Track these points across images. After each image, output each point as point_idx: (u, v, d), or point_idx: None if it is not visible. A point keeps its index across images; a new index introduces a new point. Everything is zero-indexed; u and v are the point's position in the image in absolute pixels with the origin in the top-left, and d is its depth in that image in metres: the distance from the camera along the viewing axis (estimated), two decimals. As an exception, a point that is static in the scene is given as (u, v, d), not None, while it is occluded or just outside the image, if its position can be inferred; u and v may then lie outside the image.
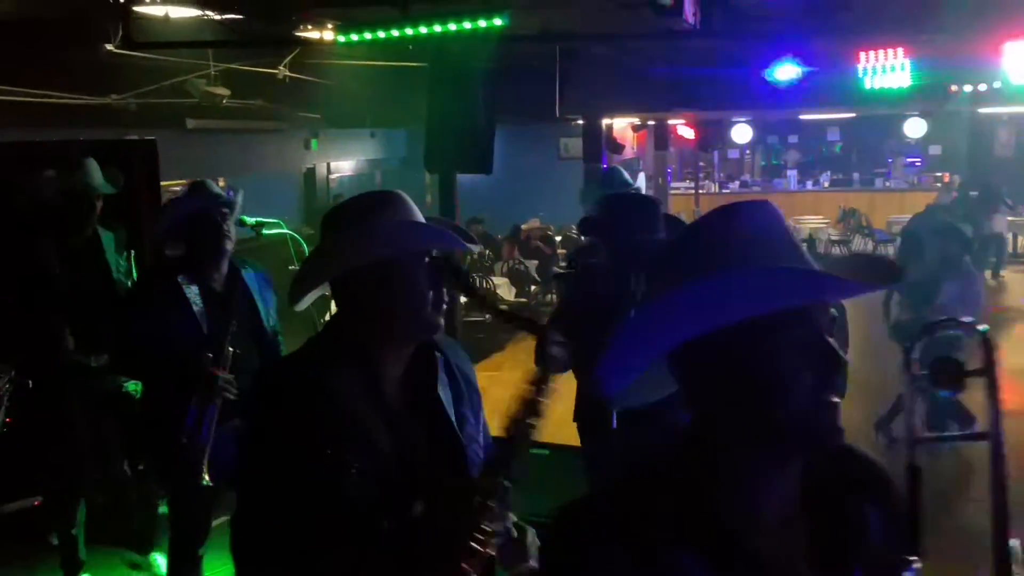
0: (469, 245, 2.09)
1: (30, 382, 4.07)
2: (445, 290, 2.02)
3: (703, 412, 1.26)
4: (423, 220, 2.07)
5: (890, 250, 18.18)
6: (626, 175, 4.75)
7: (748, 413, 1.20)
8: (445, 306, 2.03)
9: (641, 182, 4.64)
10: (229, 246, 3.91)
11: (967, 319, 3.23)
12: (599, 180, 4.82)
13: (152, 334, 3.77)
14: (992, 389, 1.34)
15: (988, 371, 1.36)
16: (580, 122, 13.10)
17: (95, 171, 4.73)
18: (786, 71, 7.84)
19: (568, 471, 4.94)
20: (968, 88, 9.40)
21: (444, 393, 2.09)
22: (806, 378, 1.17)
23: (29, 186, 4.77)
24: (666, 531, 1.19)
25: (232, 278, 3.96)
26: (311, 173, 17.43)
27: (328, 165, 17.92)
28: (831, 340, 1.19)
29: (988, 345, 1.37)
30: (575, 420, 4.26)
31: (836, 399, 1.19)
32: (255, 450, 2.03)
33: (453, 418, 2.08)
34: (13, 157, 5.74)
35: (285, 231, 4.83)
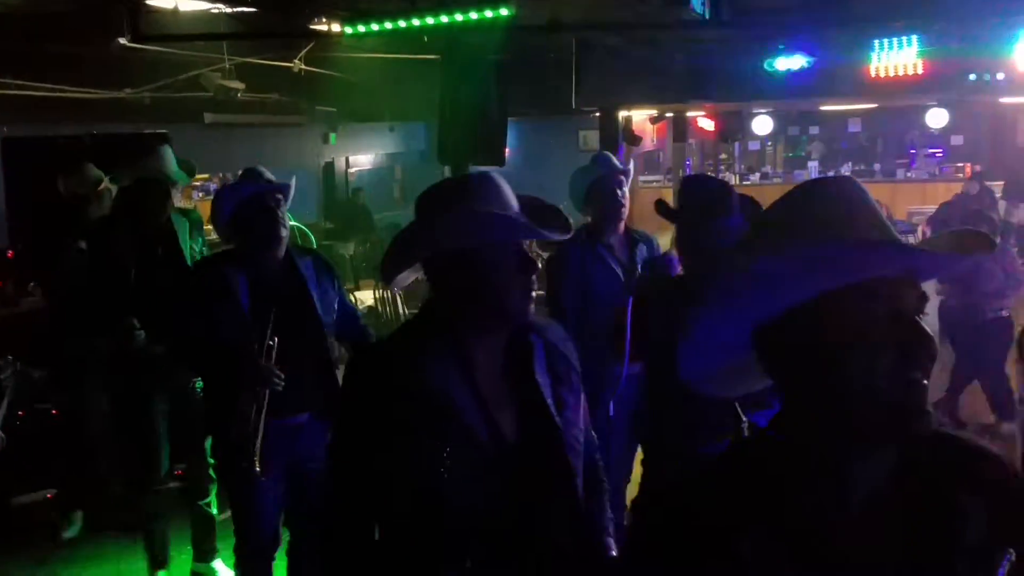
0: (553, 234, 2.05)
1: (36, 373, 4.12)
2: (534, 277, 2.01)
3: (788, 396, 1.25)
4: (514, 204, 2.06)
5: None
6: (615, 160, 4.73)
7: (830, 391, 1.17)
8: (534, 292, 2.02)
9: (631, 167, 4.65)
10: (284, 233, 3.83)
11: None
12: (585, 167, 4.77)
13: (197, 326, 3.75)
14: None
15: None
16: (598, 114, 13.06)
17: (169, 159, 4.72)
18: (789, 61, 7.79)
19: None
20: (987, 76, 9.29)
21: (542, 377, 2.06)
22: (891, 354, 1.15)
23: (112, 173, 4.79)
24: (749, 523, 1.18)
25: (286, 266, 3.88)
26: (330, 167, 17.46)
27: (347, 159, 17.94)
28: (920, 318, 1.17)
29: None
30: None
31: (924, 380, 1.16)
32: (346, 434, 2.05)
33: (551, 402, 2.05)
34: (57, 149, 5.83)
35: (293, 223, 4.84)
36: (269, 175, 3.91)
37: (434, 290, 2.06)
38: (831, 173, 20.42)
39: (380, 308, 11.10)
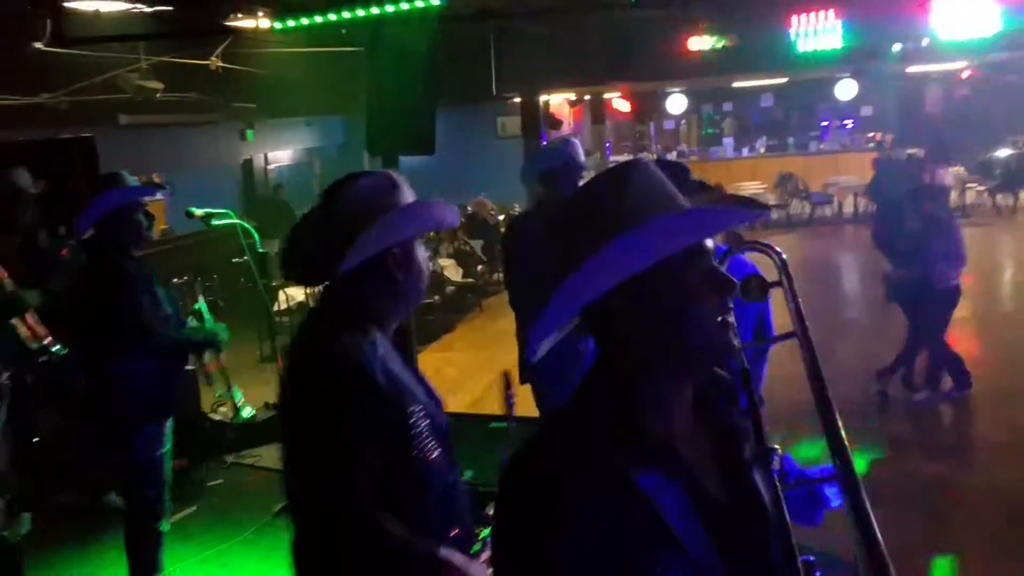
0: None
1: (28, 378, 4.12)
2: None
3: (619, 348, 1.41)
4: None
5: (827, 212, 18.57)
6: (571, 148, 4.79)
7: (664, 341, 1.36)
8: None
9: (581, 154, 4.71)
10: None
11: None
12: (539, 155, 4.82)
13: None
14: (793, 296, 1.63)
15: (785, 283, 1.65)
16: (517, 100, 13.14)
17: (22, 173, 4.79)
18: (709, 40, 7.94)
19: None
20: (898, 47, 9.60)
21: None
22: (711, 302, 1.36)
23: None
24: (618, 453, 1.33)
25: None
26: (248, 164, 17.22)
27: (265, 156, 17.71)
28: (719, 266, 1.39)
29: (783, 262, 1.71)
30: (523, 383, 4.35)
31: (729, 318, 1.38)
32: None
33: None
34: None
35: (235, 221, 4.81)
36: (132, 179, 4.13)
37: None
38: (745, 149, 20.86)
39: (311, 304, 11.02)
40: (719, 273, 1.38)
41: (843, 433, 1.44)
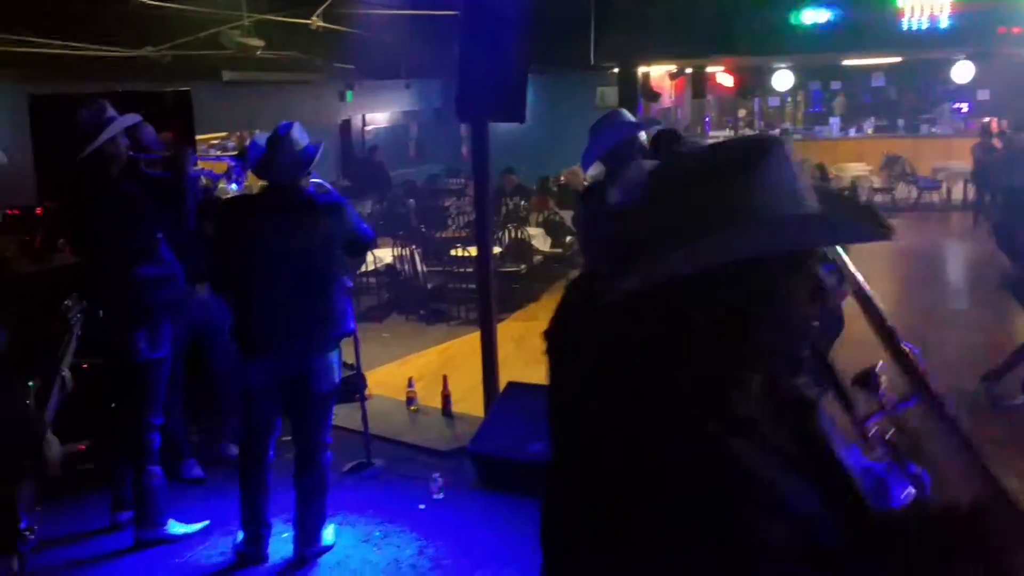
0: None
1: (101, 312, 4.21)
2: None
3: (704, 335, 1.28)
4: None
5: (934, 198, 17.87)
6: (628, 114, 4.74)
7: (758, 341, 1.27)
8: None
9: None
10: None
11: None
12: (599, 124, 4.75)
13: None
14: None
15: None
16: (616, 71, 12.91)
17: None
18: (815, 14, 7.63)
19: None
20: (1017, 30, 9.10)
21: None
22: (811, 308, 1.31)
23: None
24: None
25: None
26: (347, 125, 17.39)
27: (363, 117, 17.87)
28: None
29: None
30: None
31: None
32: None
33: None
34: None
35: (317, 180, 4.86)
36: None
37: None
38: (852, 129, 20.18)
39: (399, 266, 11.10)
40: (822, 279, 1.33)
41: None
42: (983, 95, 20.91)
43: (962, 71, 17.17)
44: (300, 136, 4.45)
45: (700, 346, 1.25)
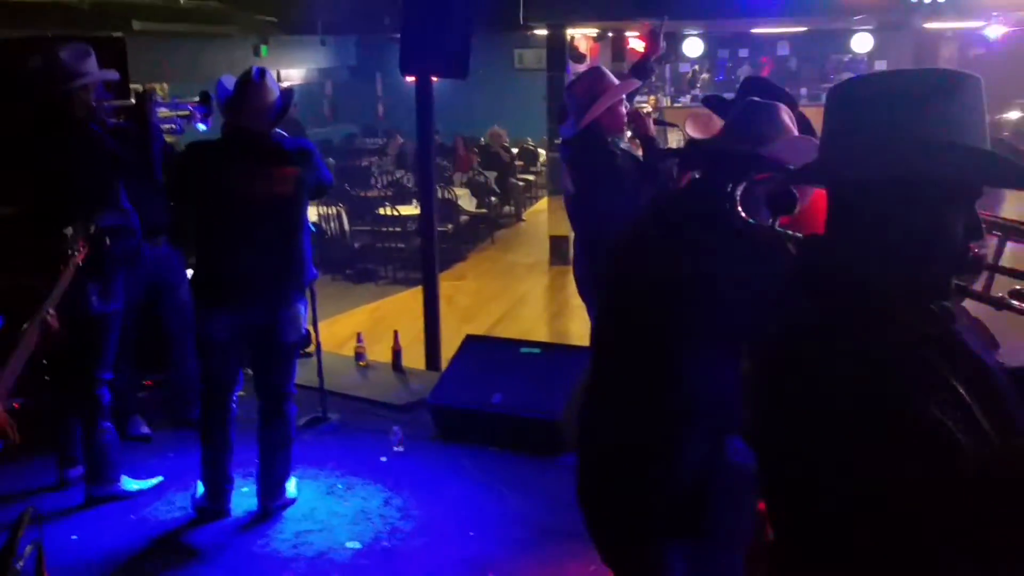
0: None
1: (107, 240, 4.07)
2: None
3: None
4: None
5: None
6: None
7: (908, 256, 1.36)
8: None
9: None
10: None
11: None
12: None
13: None
14: None
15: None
16: (539, 32, 12.92)
17: None
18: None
19: (561, 367, 5.04)
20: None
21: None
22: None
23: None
24: None
25: None
26: (260, 81, 16.96)
27: (278, 73, 17.44)
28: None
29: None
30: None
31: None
32: None
33: None
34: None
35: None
36: None
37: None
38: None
39: (324, 226, 10.95)
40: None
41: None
42: (880, 66, 21.62)
43: (861, 42, 17.73)
44: (273, 84, 4.35)
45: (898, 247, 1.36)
